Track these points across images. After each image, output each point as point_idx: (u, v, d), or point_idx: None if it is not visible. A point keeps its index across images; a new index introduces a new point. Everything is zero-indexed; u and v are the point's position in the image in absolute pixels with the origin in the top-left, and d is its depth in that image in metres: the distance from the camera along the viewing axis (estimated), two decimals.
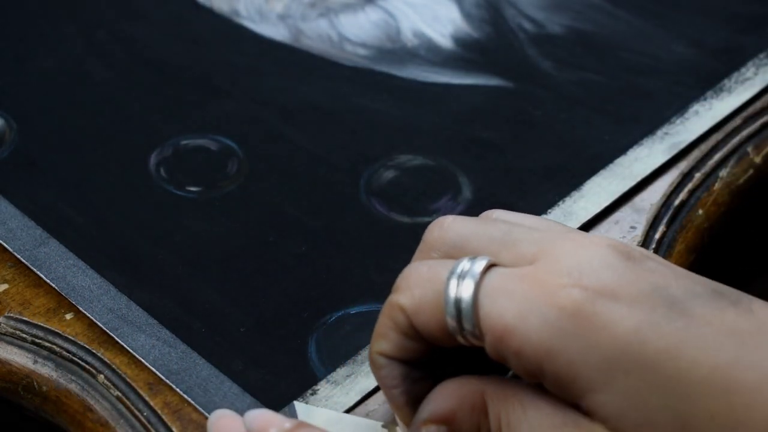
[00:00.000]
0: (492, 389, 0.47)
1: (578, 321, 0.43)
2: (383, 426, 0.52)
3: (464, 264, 0.46)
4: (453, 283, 0.46)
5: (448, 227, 0.48)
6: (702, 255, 0.60)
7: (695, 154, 0.63)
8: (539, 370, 0.44)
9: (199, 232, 0.60)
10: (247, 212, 0.61)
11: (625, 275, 0.44)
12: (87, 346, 0.55)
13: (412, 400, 0.48)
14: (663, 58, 0.69)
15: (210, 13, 0.72)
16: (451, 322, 0.46)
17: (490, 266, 0.46)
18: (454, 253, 0.48)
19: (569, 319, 0.43)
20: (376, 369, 0.48)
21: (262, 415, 0.49)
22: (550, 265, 0.45)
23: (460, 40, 0.71)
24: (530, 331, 0.44)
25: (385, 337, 0.48)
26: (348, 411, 0.53)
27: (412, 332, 0.47)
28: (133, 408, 0.53)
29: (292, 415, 0.52)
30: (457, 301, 0.45)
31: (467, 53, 0.70)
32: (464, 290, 0.45)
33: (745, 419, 0.42)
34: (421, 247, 0.49)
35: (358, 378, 0.54)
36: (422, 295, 0.46)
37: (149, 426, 0.52)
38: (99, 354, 0.55)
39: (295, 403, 0.53)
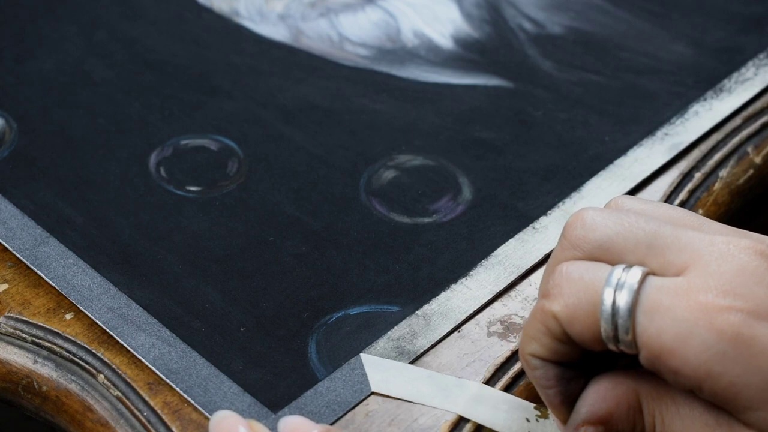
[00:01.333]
0: (646, 388, 0.48)
1: (738, 345, 0.44)
2: (535, 408, 0.52)
3: (618, 273, 0.46)
4: (608, 294, 0.46)
5: (592, 226, 0.48)
6: None
7: (695, 154, 0.63)
8: (697, 387, 0.45)
9: (199, 232, 0.60)
10: (247, 212, 0.61)
11: None
12: (87, 346, 0.55)
13: (567, 399, 0.49)
14: (663, 58, 0.69)
15: (210, 13, 0.72)
16: (606, 333, 0.46)
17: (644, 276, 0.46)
18: (599, 254, 0.48)
19: (729, 343, 0.44)
20: (530, 370, 0.49)
21: (292, 420, 0.50)
22: (703, 279, 0.45)
23: (460, 40, 0.71)
24: (689, 354, 0.45)
25: (537, 341, 0.48)
26: (348, 411, 0.53)
27: (565, 338, 0.47)
28: (133, 408, 0.53)
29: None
30: (614, 315, 0.46)
31: (467, 53, 0.70)
32: (621, 303, 0.45)
33: None
34: (564, 243, 0.49)
35: (357, 378, 0.54)
36: (576, 304, 0.47)
37: (149, 426, 0.52)
38: (99, 354, 0.55)
39: (362, 355, 0.54)
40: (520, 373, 0.54)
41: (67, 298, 0.57)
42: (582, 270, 0.47)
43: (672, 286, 0.45)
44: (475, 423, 0.52)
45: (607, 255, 0.47)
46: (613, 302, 0.46)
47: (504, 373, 0.54)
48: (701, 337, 0.44)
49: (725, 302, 0.45)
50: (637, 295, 0.45)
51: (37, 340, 0.55)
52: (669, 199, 0.61)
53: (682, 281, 0.45)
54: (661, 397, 0.47)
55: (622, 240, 0.47)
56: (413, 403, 0.53)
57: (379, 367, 0.54)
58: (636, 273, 0.46)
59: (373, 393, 0.54)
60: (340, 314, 0.57)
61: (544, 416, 0.52)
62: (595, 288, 0.46)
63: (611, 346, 0.47)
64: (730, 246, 0.46)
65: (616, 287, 0.46)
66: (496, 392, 0.53)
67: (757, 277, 0.45)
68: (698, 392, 0.45)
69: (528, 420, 0.52)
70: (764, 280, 0.45)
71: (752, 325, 0.44)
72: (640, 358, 0.46)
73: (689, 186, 0.62)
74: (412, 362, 0.55)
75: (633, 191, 0.62)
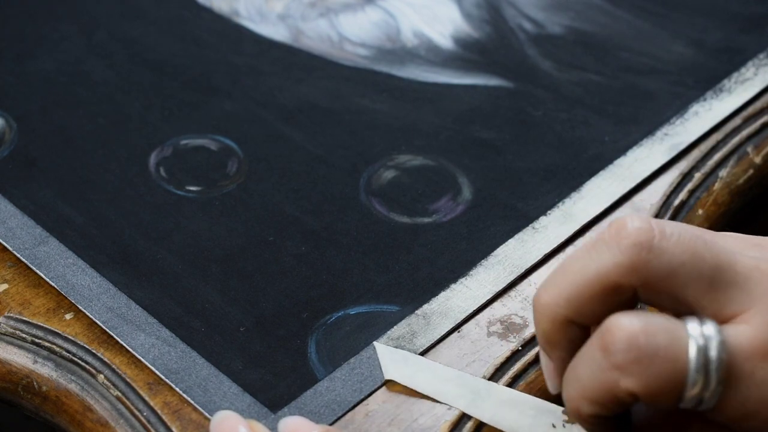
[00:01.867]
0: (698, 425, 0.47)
1: None
2: (564, 412, 0.52)
3: (696, 333, 0.44)
4: (695, 366, 0.44)
5: (659, 250, 0.44)
6: None
7: (695, 154, 0.63)
8: None
9: (199, 232, 0.60)
10: (247, 212, 0.61)
11: None
12: (87, 346, 0.55)
13: None
14: (663, 58, 0.69)
15: (210, 13, 0.72)
16: (689, 402, 0.45)
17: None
18: (658, 285, 0.45)
19: None
20: (587, 425, 0.47)
21: (292, 421, 0.49)
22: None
23: (460, 40, 0.71)
24: None
25: (603, 407, 0.46)
26: (347, 411, 0.53)
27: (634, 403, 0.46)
28: (132, 408, 0.53)
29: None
30: (704, 387, 0.44)
31: (467, 53, 0.70)
32: (711, 377, 0.44)
33: None
34: (619, 259, 0.45)
35: (357, 378, 0.54)
36: (660, 385, 0.44)
37: (149, 426, 0.52)
38: (99, 354, 0.55)
39: (375, 344, 0.54)
40: (520, 374, 0.54)
41: (66, 298, 0.57)
42: (656, 337, 0.44)
43: (748, 347, 0.44)
44: (474, 423, 0.52)
45: (665, 285, 0.45)
46: (703, 373, 0.44)
47: (504, 373, 0.54)
48: None
49: None
50: (722, 365, 0.44)
51: (37, 340, 0.55)
52: (669, 199, 0.61)
53: (754, 336, 0.44)
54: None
55: (685, 273, 0.44)
56: (416, 400, 0.53)
57: (394, 358, 0.54)
58: (711, 331, 0.44)
59: (378, 388, 0.54)
60: (339, 314, 0.57)
61: (572, 421, 0.51)
62: (678, 362, 0.44)
63: (685, 407, 0.45)
64: None
65: (700, 358, 0.44)
66: (523, 396, 0.53)
67: None
68: None
69: (554, 426, 0.51)
70: None
71: None
72: (711, 415, 0.45)
73: (689, 186, 0.62)
74: None
75: (633, 191, 0.62)
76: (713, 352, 0.44)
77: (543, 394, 0.53)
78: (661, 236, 0.45)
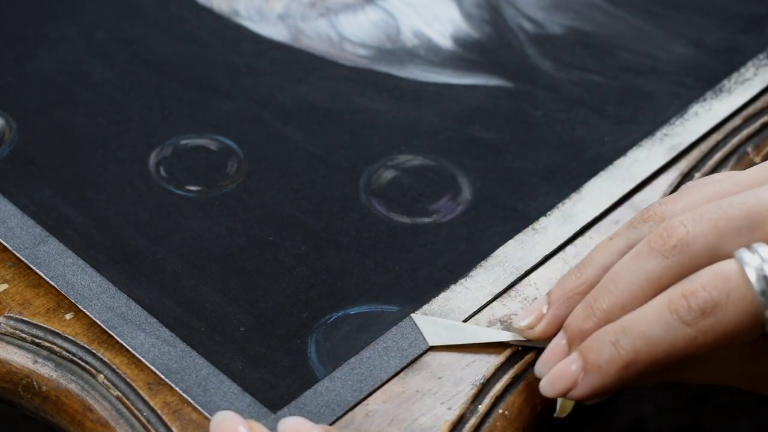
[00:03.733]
0: None
1: None
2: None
3: (747, 257, 0.46)
4: (760, 289, 0.46)
5: (690, 238, 0.47)
6: None
7: (695, 154, 0.63)
8: None
9: (199, 232, 0.60)
10: (247, 212, 0.61)
11: None
12: (87, 346, 0.55)
13: None
14: (663, 59, 0.69)
15: (210, 13, 0.72)
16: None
17: None
18: (708, 260, 0.47)
19: None
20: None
21: (291, 421, 0.50)
22: None
23: (460, 40, 0.71)
24: None
25: (668, 361, 0.48)
26: (347, 411, 0.53)
27: None
28: (132, 408, 0.53)
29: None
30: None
31: (467, 53, 0.70)
32: None
33: None
34: (667, 264, 0.48)
35: (357, 378, 0.54)
36: (738, 325, 0.46)
37: (149, 426, 0.52)
38: (99, 354, 0.55)
39: (413, 315, 0.56)
40: (520, 374, 0.54)
41: (67, 297, 0.57)
42: (718, 281, 0.46)
43: None
44: (474, 423, 0.52)
45: (716, 257, 0.47)
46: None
47: (504, 373, 0.54)
48: None
49: None
50: None
51: (37, 340, 0.55)
52: None
53: None
54: None
55: (723, 239, 0.47)
56: (417, 400, 0.53)
57: (432, 325, 0.55)
58: (762, 250, 0.46)
59: (378, 388, 0.54)
60: (339, 314, 0.57)
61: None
62: (746, 295, 0.46)
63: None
64: None
65: (762, 282, 0.46)
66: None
67: None
68: None
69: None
70: None
71: None
72: None
73: None
74: (412, 362, 0.55)
75: (633, 192, 0.62)
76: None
77: (541, 393, 0.53)
78: (689, 226, 0.47)
